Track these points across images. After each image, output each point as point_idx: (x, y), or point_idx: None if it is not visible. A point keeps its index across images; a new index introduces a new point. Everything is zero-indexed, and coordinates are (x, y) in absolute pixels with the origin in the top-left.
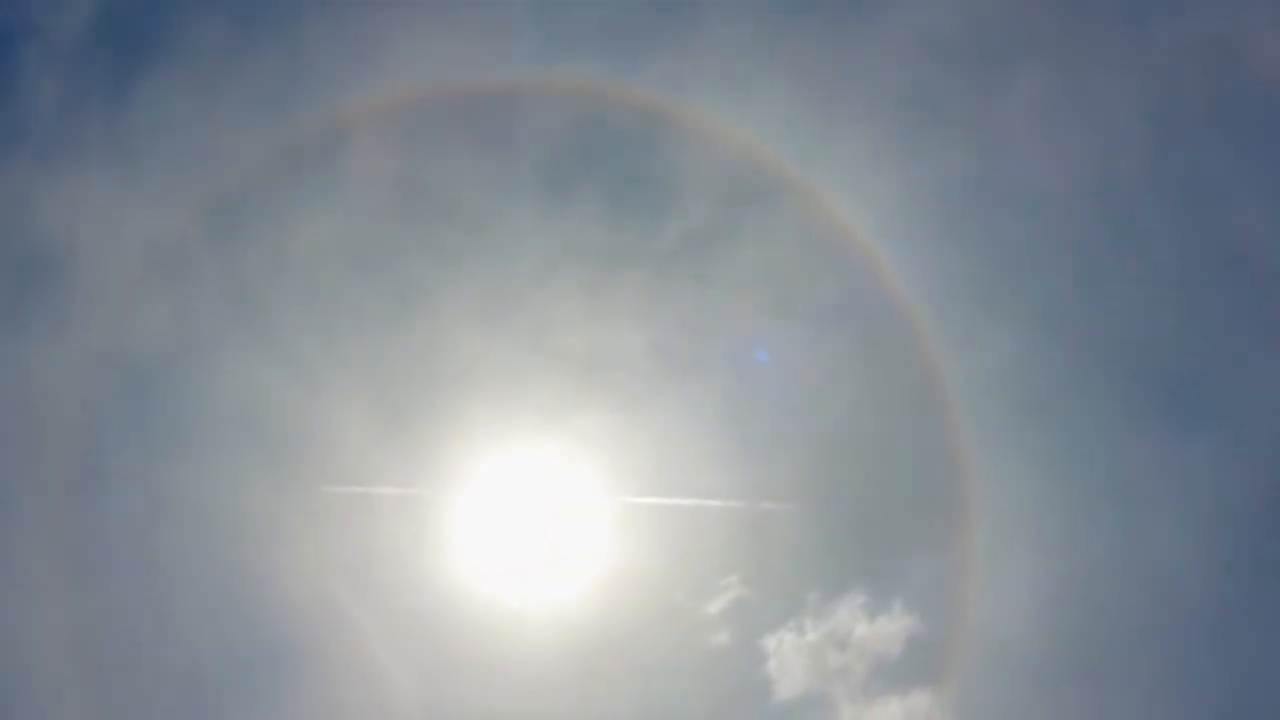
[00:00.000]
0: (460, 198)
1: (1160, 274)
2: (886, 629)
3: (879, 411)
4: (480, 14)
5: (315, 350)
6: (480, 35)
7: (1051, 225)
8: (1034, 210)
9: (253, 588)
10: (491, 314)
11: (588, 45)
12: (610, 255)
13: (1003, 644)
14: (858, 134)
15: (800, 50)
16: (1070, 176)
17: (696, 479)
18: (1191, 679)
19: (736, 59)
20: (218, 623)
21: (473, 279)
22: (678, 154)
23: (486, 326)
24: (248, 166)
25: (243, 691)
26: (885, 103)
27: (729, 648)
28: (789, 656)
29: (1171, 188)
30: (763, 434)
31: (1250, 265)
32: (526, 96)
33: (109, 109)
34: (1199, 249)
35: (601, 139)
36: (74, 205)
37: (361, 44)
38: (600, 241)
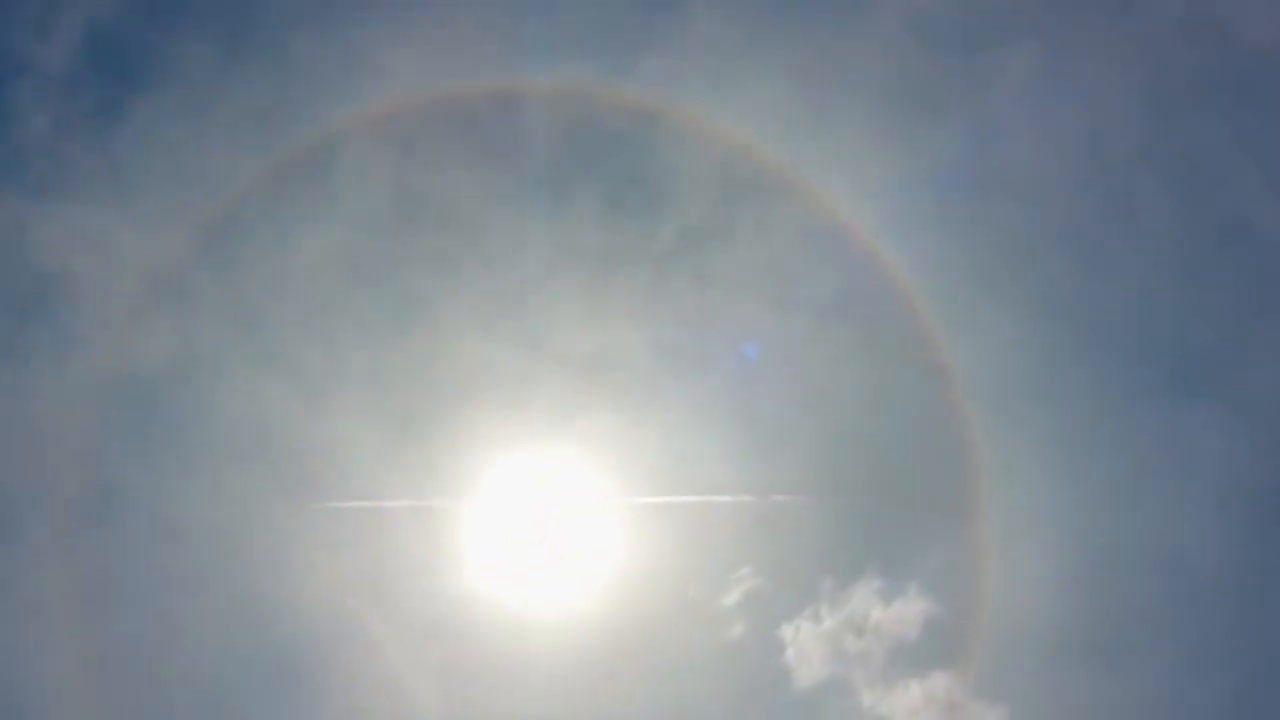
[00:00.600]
0: (457, 204)
1: (1160, 252)
2: (903, 613)
3: (884, 400)
4: (471, 19)
5: (319, 365)
6: (471, 40)
7: (1048, 208)
8: (1030, 193)
9: (265, 606)
10: (492, 320)
11: (579, 47)
12: (609, 256)
13: (1020, 622)
14: (851, 126)
15: (791, 44)
16: (1065, 158)
17: (705, 476)
18: (1207, 654)
19: (728, 56)
20: (232, 642)
21: (472, 285)
22: (673, 153)
23: (488, 332)
24: (244, 184)
25: (259, 710)
26: (877, 93)
27: (746, 639)
28: (806, 645)
29: (1166, 165)
30: (769, 428)
31: (1248, 239)
32: (520, 100)
33: (103, 134)
34: (1196, 225)
35: (596, 140)
36: (72, 231)
37: (351, 55)
38: (598, 243)
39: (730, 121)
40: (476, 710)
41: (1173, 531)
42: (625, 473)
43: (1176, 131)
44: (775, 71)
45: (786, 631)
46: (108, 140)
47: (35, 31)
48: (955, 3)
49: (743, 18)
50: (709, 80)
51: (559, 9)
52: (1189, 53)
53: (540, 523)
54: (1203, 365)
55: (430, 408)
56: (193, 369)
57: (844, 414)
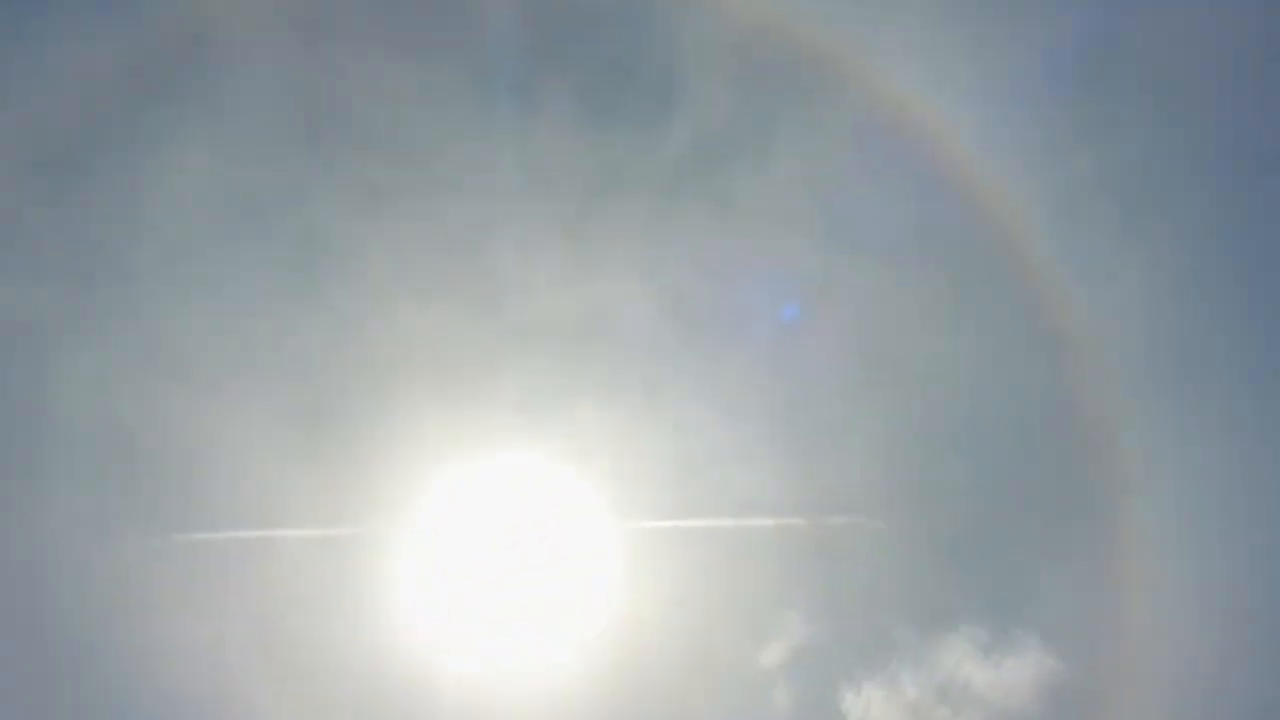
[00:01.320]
0: (385, 109)
1: None
2: (1013, 674)
3: (981, 381)
4: None
5: (196, 340)
6: None
7: (1209, 107)
8: (1184, 87)
9: (110, 667)
10: (436, 273)
11: None
12: (597, 180)
13: (1176, 681)
14: None
15: None
16: (1227, 39)
17: (733, 489)
18: None
19: None
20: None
21: (411, 227)
22: (682, 32)
23: (430, 291)
24: (89, 83)
25: None
26: None
27: (793, 709)
28: (877, 717)
29: None
30: (822, 422)
31: None
32: None
33: None
34: None
35: (578, 18)
36: None
37: None
38: (582, 161)
39: None
40: None
41: None
42: (623, 486)
43: None
44: None
45: (848, 699)
46: None
47: None
48: None
49: None
50: None
51: None
52: None
53: (505, 555)
54: None
55: (348, 398)
56: (14, 343)
57: (924, 401)
